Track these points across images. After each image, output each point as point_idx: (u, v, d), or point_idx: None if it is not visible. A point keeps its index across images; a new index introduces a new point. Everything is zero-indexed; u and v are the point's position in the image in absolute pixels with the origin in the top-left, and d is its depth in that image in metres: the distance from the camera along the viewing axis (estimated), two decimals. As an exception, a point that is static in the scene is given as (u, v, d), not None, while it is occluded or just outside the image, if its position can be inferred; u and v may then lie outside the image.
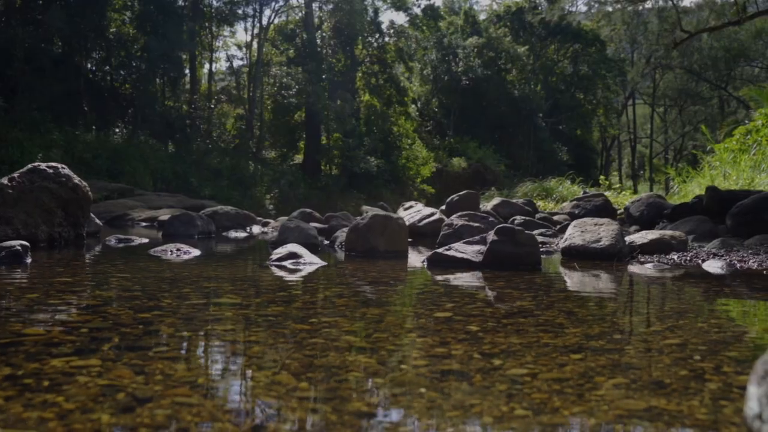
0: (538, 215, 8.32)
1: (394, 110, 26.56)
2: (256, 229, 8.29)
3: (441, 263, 3.68)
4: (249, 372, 1.34)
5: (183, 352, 1.48)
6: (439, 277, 3.16)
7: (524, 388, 1.26)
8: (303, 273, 3.18)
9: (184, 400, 1.14)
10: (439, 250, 3.76)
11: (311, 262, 3.56)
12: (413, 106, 30.16)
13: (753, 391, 0.87)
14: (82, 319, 1.84)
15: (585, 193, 11.93)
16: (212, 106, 23.11)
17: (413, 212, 7.79)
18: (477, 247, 3.76)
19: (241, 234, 7.37)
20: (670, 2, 18.01)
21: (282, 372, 1.34)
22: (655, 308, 2.38)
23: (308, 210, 8.95)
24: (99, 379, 1.24)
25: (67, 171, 4.91)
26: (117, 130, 18.76)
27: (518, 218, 7.57)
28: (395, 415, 1.09)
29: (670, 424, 1.07)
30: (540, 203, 13.68)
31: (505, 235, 3.63)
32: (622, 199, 14.21)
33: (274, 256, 3.61)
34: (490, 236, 3.70)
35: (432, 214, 7.38)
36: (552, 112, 32.93)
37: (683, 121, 37.52)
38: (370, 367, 1.39)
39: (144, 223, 9.52)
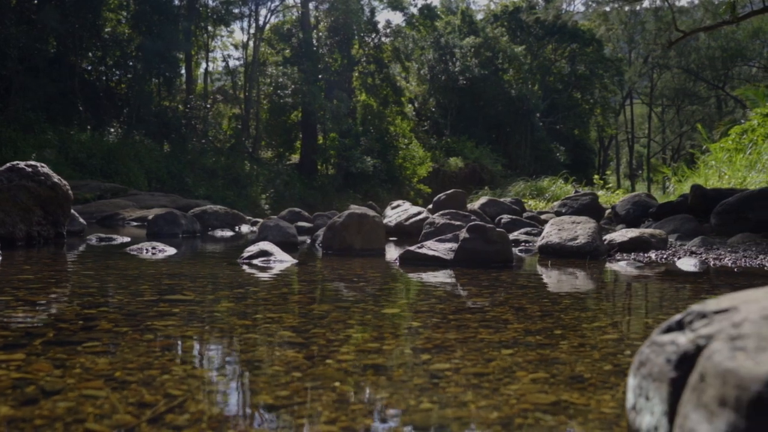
0: (525, 214, 8.32)
1: (390, 110, 26.57)
2: (245, 228, 8.29)
3: (413, 261, 3.68)
4: (169, 366, 1.34)
5: (112, 347, 1.48)
6: (406, 275, 3.16)
7: (441, 383, 1.26)
8: (270, 271, 3.19)
9: (92, 392, 1.14)
10: (411, 248, 3.76)
11: (282, 260, 3.56)
12: (410, 105, 30.17)
13: (630, 382, 0.87)
14: (25, 315, 1.85)
15: (577, 192, 11.95)
16: (208, 105, 23.12)
17: (400, 211, 7.79)
18: (449, 245, 3.76)
19: (228, 233, 7.38)
20: (666, 2, 18.01)
21: (203, 366, 1.34)
22: (608, 304, 2.38)
23: (297, 209, 8.97)
24: (15, 372, 1.24)
25: (46, 169, 4.90)
26: (112, 129, 18.76)
27: (505, 217, 7.57)
28: (298, 407, 1.09)
29: (571, 417, 1.07)
30: (531, 202, 13.68)
31: (476, 232, 3.63)
32: (615, 198, 14.21)
33: (245, 254, 3.61)
34: (462, 234, 3.70)
35: (418, 213, 7.38)
36: (549, 112, 32.93)
37: (681, 120, 37.51)
38: (295, 361, 1.39)
39: (135, 223, 9.54)
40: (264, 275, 3.02)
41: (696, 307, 0.83)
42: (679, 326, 0.83)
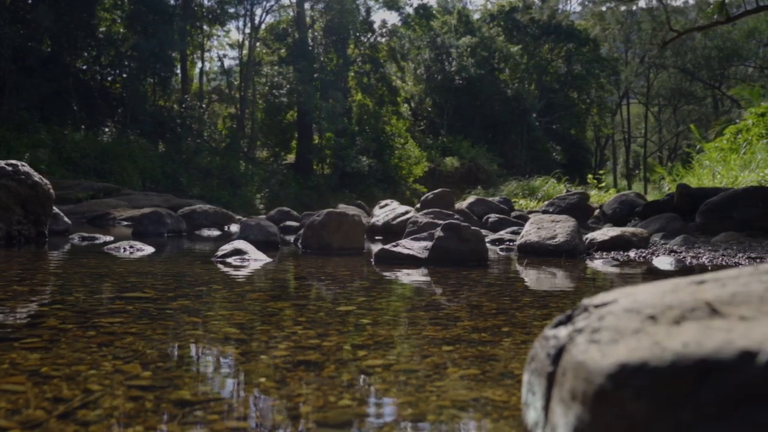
0: (514, 213, 8.33)
1: (386, 110, 26.56)
2: (234, 227, 8.27)
3: (388, 260, 3.68)
4: (100, 362, 1.34)
5: (50, 343, 1.48)
6: (377, 273, 3.16)
7: (369, 379, 1.26)
8: (241, 269, 3.18)
9: (11, 387, 1.14)
10: (386, 247, 3.76)
11: (256, 258, 3.56)
12: (406, 105, 30.16)
13: (524, 377, 0.87)
14: (-26, 313, 1.84)
15: (568, 191, 11.95)
16: (204, 105, 23.10)
17: (388, 210, 7.79)
18: (424, 243, 3.76)
19: (215, 232, 7.37)
20: (661, 2, 18.00)
21: (134, 361, 1.34)
22: (567, 302, 2.38)
23: (286, 209, 8.98)
24: (-59, 369, 1.24)
25: (26, 168, 4.90)
26: (106, 129, 18.75)
27: (492, 216, 7.58)
28: (214, 403, 1.09)
29: (486, 414, 1.07)
30: (522, 202, 13.68)
31: (451, 231, 3.63)
32: (607, 198, 14.22)
33: (219, 253, 3.61)
34: (437, 232, 3.71)
35: (405, 213, 7.39)
36: (546, 112, 32.94)
37: (677, 120, 37.53)
38: (229, 356, 1.39)
39: (125, 222, 9.53)
40: (233, 273, 3.02)
41: (584, 301, 0.83)
42: (568, 320, 0.83)
